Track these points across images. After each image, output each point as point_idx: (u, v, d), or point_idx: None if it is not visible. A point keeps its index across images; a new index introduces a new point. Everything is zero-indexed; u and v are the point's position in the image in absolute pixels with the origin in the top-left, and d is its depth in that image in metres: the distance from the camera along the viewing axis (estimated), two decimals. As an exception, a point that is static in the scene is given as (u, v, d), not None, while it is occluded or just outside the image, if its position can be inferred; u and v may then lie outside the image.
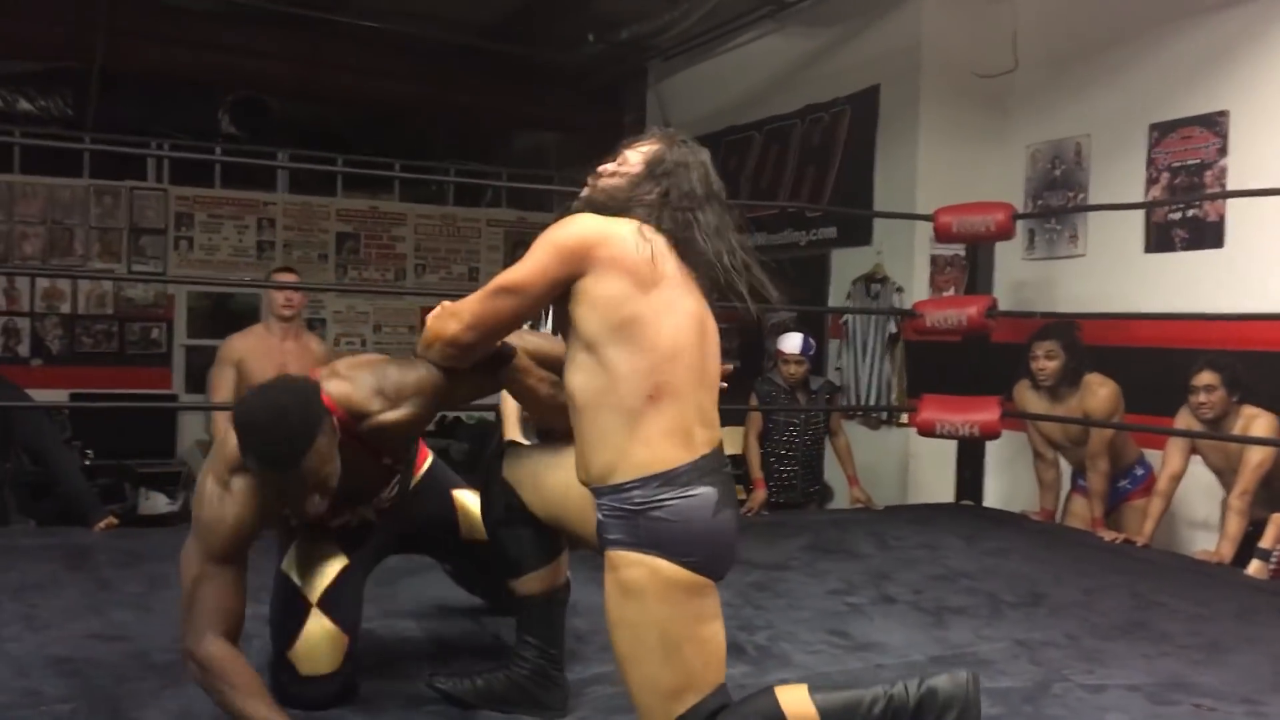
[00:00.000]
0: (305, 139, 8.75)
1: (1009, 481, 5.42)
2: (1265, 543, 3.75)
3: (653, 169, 2.13)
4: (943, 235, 4.98)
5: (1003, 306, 5.13)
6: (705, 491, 1.96)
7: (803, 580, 3.56)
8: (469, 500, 2.61)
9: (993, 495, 5.21)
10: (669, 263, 2.05)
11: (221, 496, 2.11)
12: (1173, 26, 5.01)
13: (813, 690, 1.96)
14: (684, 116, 7.51)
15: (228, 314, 8.05)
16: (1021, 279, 5.66)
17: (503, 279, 2.09)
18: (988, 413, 4.65)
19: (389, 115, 9.20)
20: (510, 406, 4.32)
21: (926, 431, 4.81)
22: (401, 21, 7.52)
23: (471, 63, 8.18)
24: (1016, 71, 5.69)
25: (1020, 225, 5.44)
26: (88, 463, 6.69)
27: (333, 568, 2.33)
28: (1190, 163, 4.92)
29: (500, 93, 8.46)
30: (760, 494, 4.85)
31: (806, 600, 3.32)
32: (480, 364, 2.19)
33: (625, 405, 1.96)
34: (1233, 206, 4.72)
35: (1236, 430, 3.99)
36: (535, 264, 2.05)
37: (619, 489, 1.96)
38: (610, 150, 2.22)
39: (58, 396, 6.92)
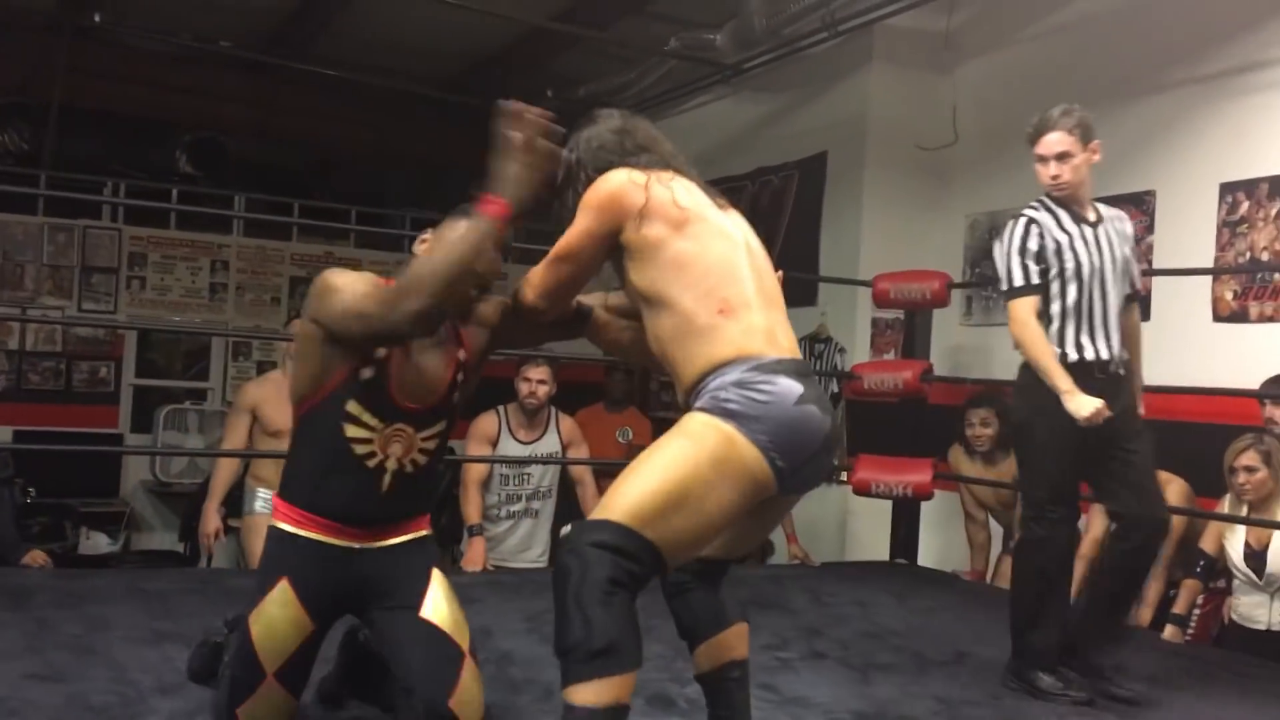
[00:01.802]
0: (262, 181, 8.80)
1: (943, 541, 5.55)
2: (1179, 608, 3.90)
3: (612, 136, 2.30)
4: (881, 301, 5.15)
5: (941, 370, 5.31)
6: (789, 383, 2.03)
7: (736, 635, 3.64)
8: (441, 581, 2.40)
9: (927, 554, 5.34)
10: (695, 196, 2.20)
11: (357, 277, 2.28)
12: (1103, 109, 5.17)
13: None
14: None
15: (182, 354, 8.06)
16: (959, 343, 5.84)
17: (557, 248, 2.24)
18: (921, 474, 4.79)
19: (347, 160, 9.29)
20: (472, 480, 4.46)
21: (862, 491, 4.94)
22: (362, 71, 7.64)
23: (430, 111, 8.31)
24: (956, 145, 5.91)
25: (959, 292, 5.64)
26: (29, 500, 6.64)
27: (296, 638, 2.27)
28: (1119, 238, 5.12)
29: (458, 142, 8.53)
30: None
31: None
32: (559, 319, 2.40)
33: (700, 327, 2.09)
34: (1158, 282, 4.92)
35: (1152, 497, 4.15)
36: (578, 227, 2.20)
37: (706, 381, 2.06)
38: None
39: (2, 434, 6.87)
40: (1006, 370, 5.37)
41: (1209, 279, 4.71)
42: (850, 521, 5.96)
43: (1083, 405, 3.00)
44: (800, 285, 6.36)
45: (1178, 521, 4.07)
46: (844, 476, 5.58)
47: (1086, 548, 4.35)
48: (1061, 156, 3.20)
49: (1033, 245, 3.19)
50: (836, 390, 6.07)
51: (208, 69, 7.77)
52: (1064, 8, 5.44)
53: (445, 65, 7.88)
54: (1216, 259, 4.71)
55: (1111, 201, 5.11)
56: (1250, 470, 3.75)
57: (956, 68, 6.01)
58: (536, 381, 4.45)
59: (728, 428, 1.99)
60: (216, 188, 8.47)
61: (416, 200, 9.49)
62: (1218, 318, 4.70)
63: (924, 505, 5.13)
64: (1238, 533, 3.85)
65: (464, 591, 2.59)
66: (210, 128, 8.41)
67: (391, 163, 9.32)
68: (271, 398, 4.54)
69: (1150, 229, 5.00)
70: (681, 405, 2.14)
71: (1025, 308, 3.17)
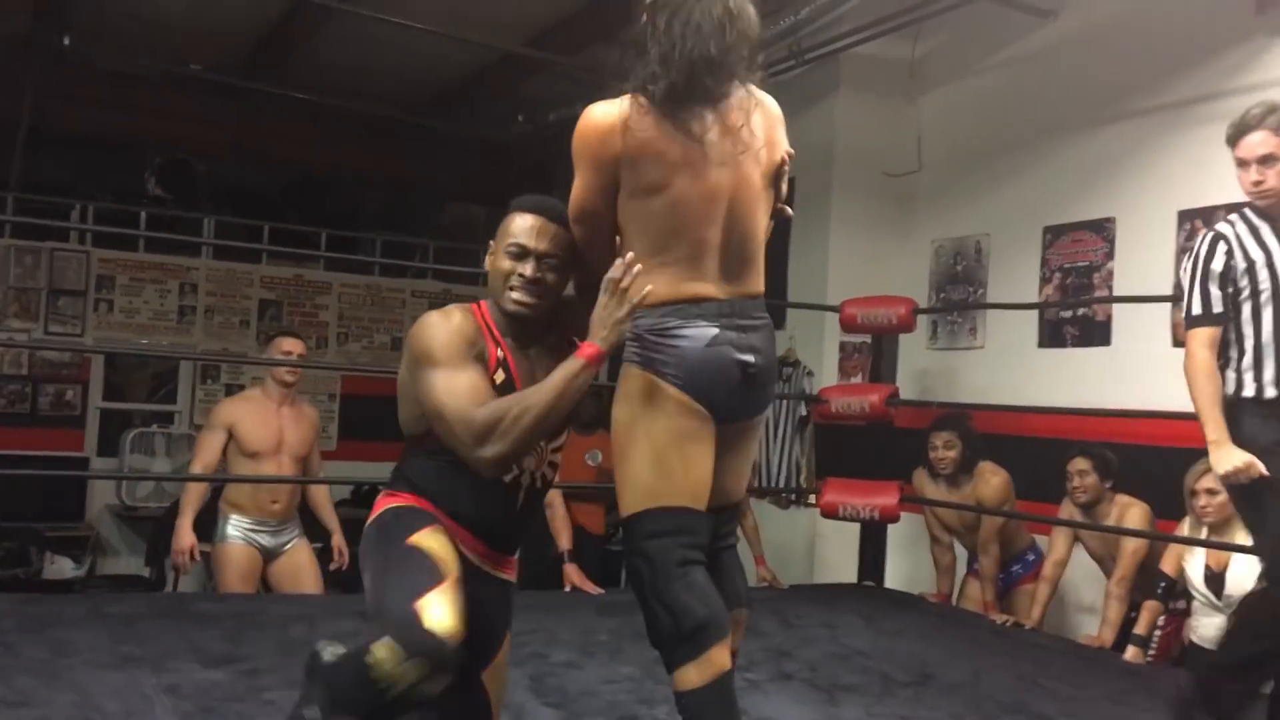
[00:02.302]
0: (232, 203, 8.80)
1: (910, 563, 5.60)
2: (1140, 629, 3.95)
3: (654, 25, 2.16)
4: (848, 326, 5.21)
5: (907, 393, 5.37)
6: (703, 327, 2.16)
7: (704, 657, 3.65)
8: (508, 644, 2.40)
9: (894, 576, 5.38)
10: (685, 129, 2.12)
11: (444, 317, 2.18)
12: (1065, 137, 5.34)
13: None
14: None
15: (150, 377, 8.01)
16: (925, 367, 5.92)
17: (570, 207, 2.22)
18: (887, 497, 4.84)
19: (318, 182, 9.30)
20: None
21: (830, 514, 4.98)
22: (333, 95, 7.66)
23: (402, 135, 8.35)
24: (921, 172, 6.00)
25: (925, 317, 5.71)
26: (-8, 524, 6.59)
27: (456, 567, 2.11)
28: (1080, 264, 5.23)
29: (430, 165, 8.63)
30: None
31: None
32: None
33: (642, 268, 2.12)
34: (1119, 308, 5.01)
35: (1112, 518, 4.23)
36: (578, 182, 2.20)
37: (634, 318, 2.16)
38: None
39: (-34, 457, 6.80)
40: (971, 394, 5.50)
41: (1169, 305, 4.79)
42: (819, 544, 6.00)
43: (1222, 459, 2.68)
44: (769, 310, 6.39)
45: (1139, 544, 4.15)
46: (812, 499, 5.63)
47: (1049, 569, 4.43)
48: (1265, 160, 2.81)
49: (1217, 266, 2.80)
50: (805, 414, 6.12)
51: (178, 92, 7.77)
52: (1026, 38, 5.54)
53: (416, 89, 7.92)
54: (1175, 285, 4.79)
55: (1072, 228, 5.27)
56: (1211, 493, 3.80)
57: (921, 96, 6.11)
58: None
59: (649, 375, 2.17)
60: (186, 210, 8.47)
61: (387, 223, 9.53)
62: (1177, 343, 4.76)
63: (891, 528, 5.18)
64: (1197, 555, 3.91)
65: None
66: (180, 151, 8.40)
67: (362, 186, 9.35)
68: (250, 416, 4.49)
69: (1110, 255, 5.09)
70: None
71: (1199, 339, 2.79)
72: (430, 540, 2.11)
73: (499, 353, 2.21)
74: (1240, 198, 4.48)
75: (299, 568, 4.54)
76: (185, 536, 4.36)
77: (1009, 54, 5.69)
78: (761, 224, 2.31)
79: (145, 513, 7.35)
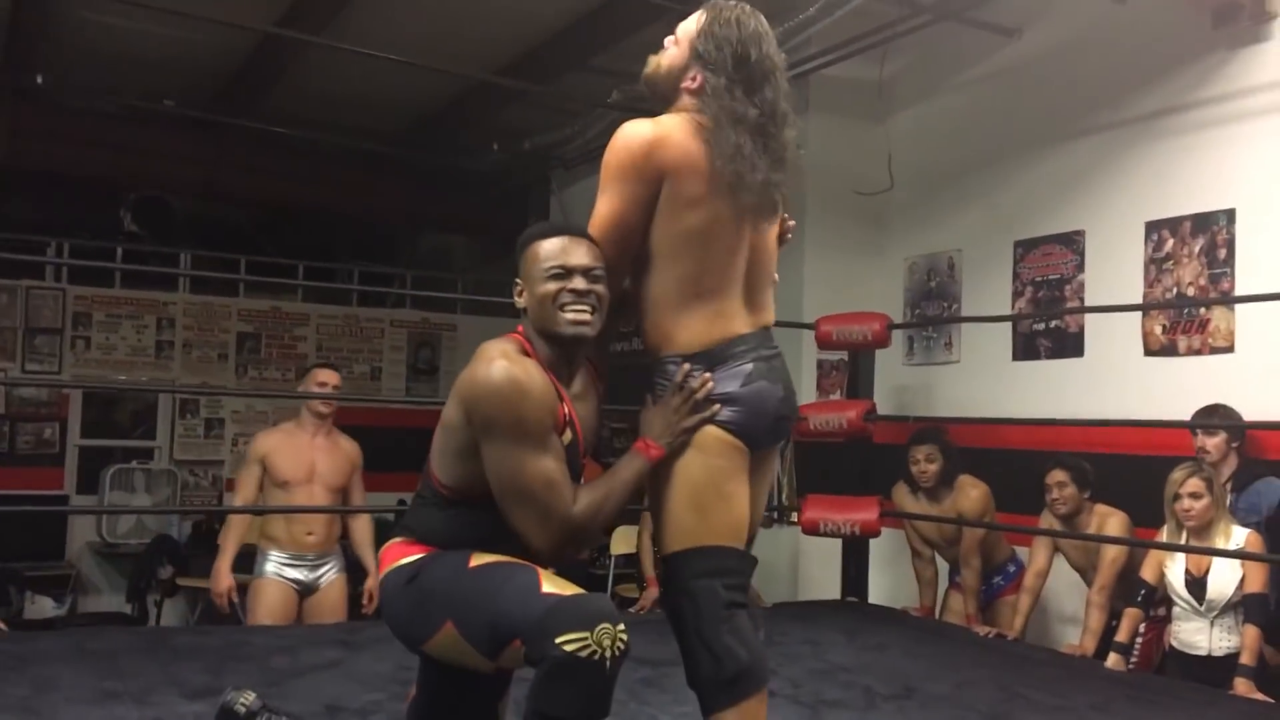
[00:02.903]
0: (208, 238, 8.80)
1: (893, 578, 5.62)
2: (1121, 637, 3.98)
3: (696, 49, 2.20)
4: (824, 343, 5.24)
5: (885, 409, 5.40)
6: (736, 366, 2.17)
7: (688, 677, 3.66)
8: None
9: (877, 592, 5.39)
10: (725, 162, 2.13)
11: (525, 374, 2.02)
12: (1033, 152, 5.42)
13: None
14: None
15: (129, 414, 7.98)
16: (902, 383, 5.96)
17: (598, 226, 2.16)
18: (867, 512, 4.85)
19: (293, 214, 9.31)
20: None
21: (811, 530, 4.99)
22: (308, 127, 7.68)
23: (377, 166, 8.38)
24: (893, 190, 6.06)
25: (901, 332, 5.75)
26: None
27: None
28: (1051, 277, 5.29)
29: (405, 195, 8.66)
30: (653, 592, 4.97)
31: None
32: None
33: (673, 303, 2.18)
34: (1091, 319, 5.07)
35: (1091, 528, 4.26)
36: (612, 198, 2.16)
37: (663, 361, 2.20)
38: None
39: (-56, 497, 6.76)
40: (949, 408, 5.54)
41: (1139, 315, 4.86)
42: (801, 561, 6.01)
43: None
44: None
45: (1119, 552, 4.18)
46: (793, 517, 5.64)
47: (1030, 579, 4.45)
48: None
49: None
50: (784, 432, 6.13)
51: (152, 128, 7.78)
52: (991, 56, 5.62)
53: (391, 119, 7.95)
54: (1145, 295, 4.86)
55: (1042, 242, 5.33)
56: (1195, 497, 3.83)
57: (890, 116, 6.18)
58: None
59: None
60: (162, 246, 8.46)
61: (364, 253, 9.54)
62: (1149, 352, 4.84)
63: (873, 543, 5.19)
64: (1178, 561, 3.94)
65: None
66: (155, 186, 8.40)
67: (339, 217, 9.36)
68: (282, 446, 4.46)
69: (1081, 267, 5.16)
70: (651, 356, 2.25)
71: None
72: (487, 556, 2.05)
73: (565, 410, 2.12)
74: (1205, 208, 4.65)
75: (328, 605, 4.45)
76: (223, 578, 4.32)
77: (975, 73, 5.77)
78: (775, 252, 2.35)
79: (126, 549, 7.32)
